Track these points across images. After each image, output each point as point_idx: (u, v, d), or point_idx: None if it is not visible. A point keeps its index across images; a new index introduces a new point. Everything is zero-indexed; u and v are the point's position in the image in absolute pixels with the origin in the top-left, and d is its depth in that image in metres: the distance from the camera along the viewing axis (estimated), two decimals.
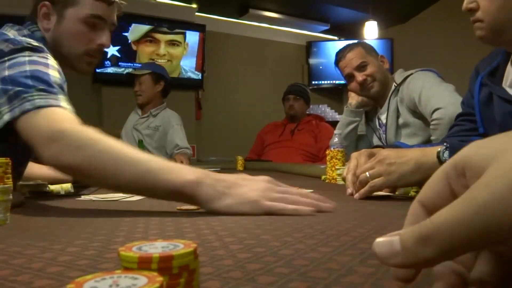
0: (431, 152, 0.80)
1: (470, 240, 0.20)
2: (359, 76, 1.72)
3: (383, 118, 1.74)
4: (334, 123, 2.35)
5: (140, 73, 2.57)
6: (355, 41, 1.90)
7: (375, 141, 1.82)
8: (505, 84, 0.95)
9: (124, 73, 2.76)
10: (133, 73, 2.62)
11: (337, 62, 1.81)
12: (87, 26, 0.98)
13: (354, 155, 0.95)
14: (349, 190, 0.89)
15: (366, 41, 2.23)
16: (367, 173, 0.83)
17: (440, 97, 1.47)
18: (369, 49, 1.78)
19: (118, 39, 3.57)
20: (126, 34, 3.70)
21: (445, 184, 0.24)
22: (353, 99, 1.80)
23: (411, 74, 1.65)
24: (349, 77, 1.76)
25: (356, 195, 0.85)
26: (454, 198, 0.21)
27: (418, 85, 1.57)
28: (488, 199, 0.19)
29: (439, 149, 0.79)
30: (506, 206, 0.19)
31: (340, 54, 1.78)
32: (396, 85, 1.68)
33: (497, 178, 0.20)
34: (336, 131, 1.47)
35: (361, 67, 1.72)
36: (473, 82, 1.06)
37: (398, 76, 1.71)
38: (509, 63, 0.94)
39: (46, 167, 1.00)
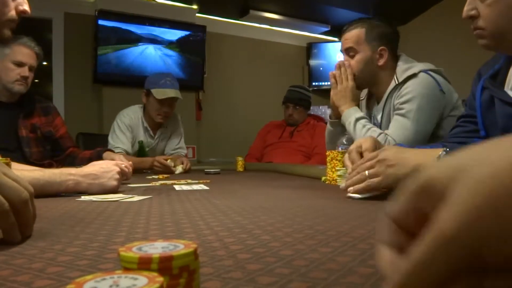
0: (432, 156, 0.80)
1: (450, 275, 0.19)
2: (343, 58, 1.63)
3: (378, 118, 1.66)
4: None
5: (180, 96, 2.27)
6: (370, 17, 1.72)
7: None
8: (507, 88, 0.94)
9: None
10: (179, 96, 2.24)
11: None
12: None
13: (360, 141, 0.96)
14: (343, 185, 0.90)
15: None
16: (366, 172, 0.85)
17: (397, 127, 1.44)
18: (373, 35, 1.58)
19: None
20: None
21: (414, 203, 0.23)
22: (334, 110, 1.67)
23: (414, 74, 1.50)
24: (342, 52, 1.66)
25: (351, 189, 0.86)
26: (425, 218, 0.20)
27: (403, 101, 1.48)
28: (454, 230, 0.18)
29: (439, 153, 0.80)
30: (474, 235, 0.18)
31: (345, 27, 1.64)
32: (397, 83, 1.54)
33: (458, 205, 0.18)
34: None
35: (349, 52, 1.60)
36: (475, 85, 1.05)
37: (401, 73, 1.55)
38: (511, 67, 0.94)
39: (37, 168, 1.00)
